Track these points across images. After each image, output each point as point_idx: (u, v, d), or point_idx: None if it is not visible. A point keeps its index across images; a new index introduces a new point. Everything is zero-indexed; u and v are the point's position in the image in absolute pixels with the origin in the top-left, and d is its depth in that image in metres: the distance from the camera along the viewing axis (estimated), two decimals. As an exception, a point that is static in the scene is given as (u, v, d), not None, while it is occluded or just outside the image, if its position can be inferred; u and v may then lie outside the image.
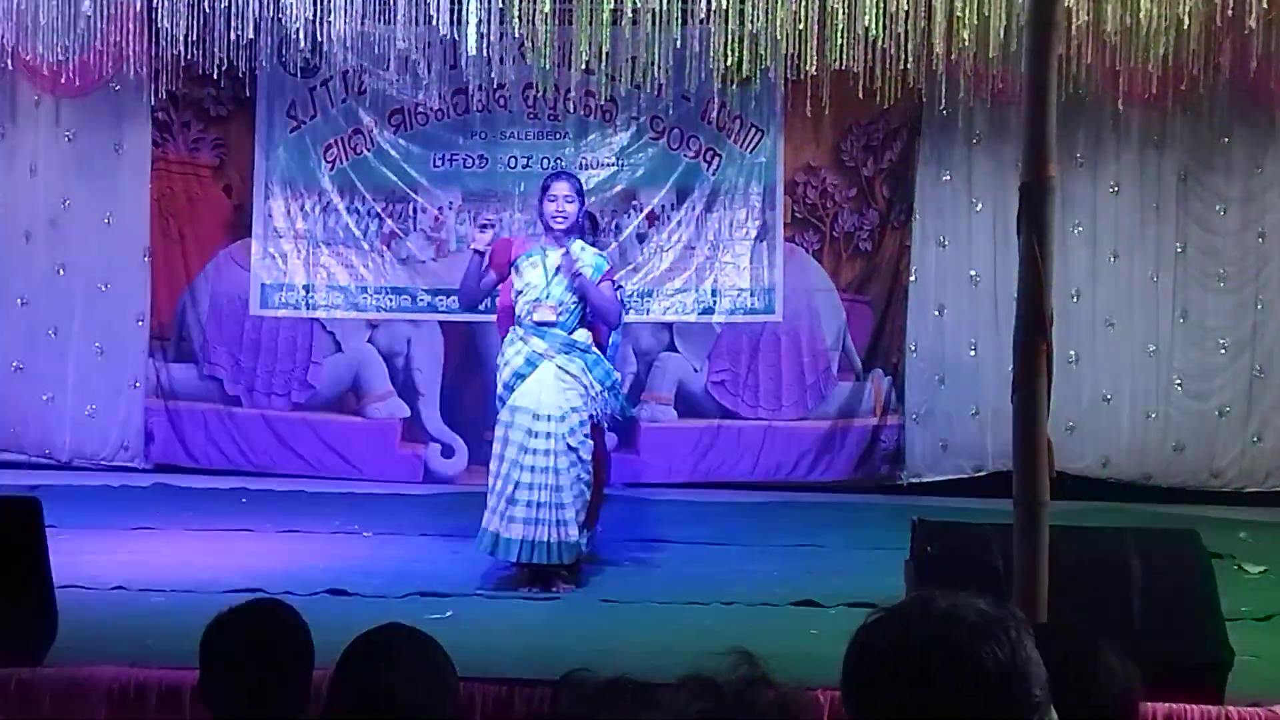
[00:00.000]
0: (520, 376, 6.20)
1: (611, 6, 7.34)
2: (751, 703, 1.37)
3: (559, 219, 6.25)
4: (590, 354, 6.30)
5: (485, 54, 7.45)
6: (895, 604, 1.65)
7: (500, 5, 7.11)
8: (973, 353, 9.32)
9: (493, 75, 8.36)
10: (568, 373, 6.20)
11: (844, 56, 7.39)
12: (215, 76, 8.26)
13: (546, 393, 6.15)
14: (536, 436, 6.12)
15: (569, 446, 6.15)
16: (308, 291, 9.50)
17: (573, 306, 6.26)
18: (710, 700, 1.31)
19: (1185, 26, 7.14)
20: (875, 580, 6.16)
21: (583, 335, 6.30)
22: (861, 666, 1.60)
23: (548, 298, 6.22)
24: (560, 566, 6.18)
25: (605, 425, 6.72)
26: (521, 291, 6.27)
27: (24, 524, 4.63)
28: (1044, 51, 3.94)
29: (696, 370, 9.41)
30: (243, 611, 2.63)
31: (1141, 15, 6.98)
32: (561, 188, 6.30)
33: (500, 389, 6.28)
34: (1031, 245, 3.89)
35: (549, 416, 6.13)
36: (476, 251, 6.39)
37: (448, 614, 5.61)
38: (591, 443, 6.29)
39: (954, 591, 1.63)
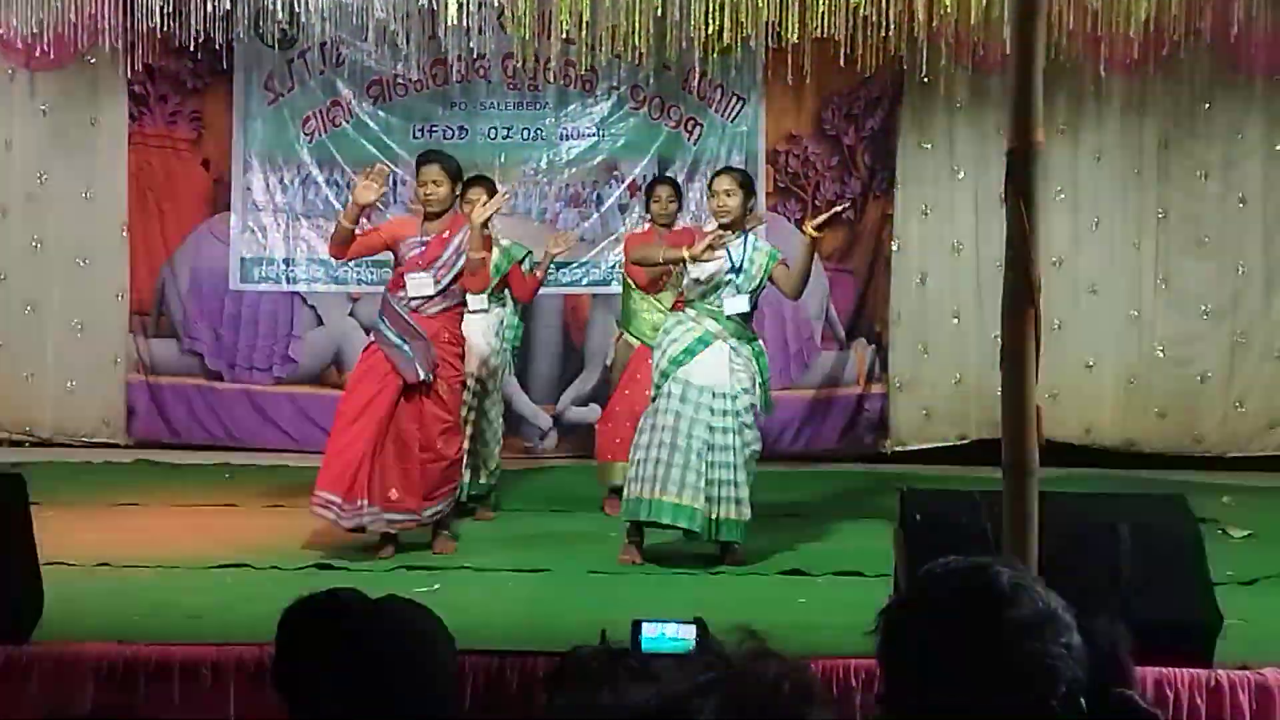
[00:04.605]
0: (691, 353, 6.21)
1: (592, -25, 7.29)
2: (759, 673, 1.36)
3: (721, 213, 6.30)
4: (756, 343, 6.36)
5: (464, 24, 7.37)
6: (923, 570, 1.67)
7: (479, -26, 7.06)
8: (956, 321, 9.33)
9: (472, 45, 8.27)
10: (740, 355, 6.24)
11: (825, 24, 7.35)
12: (192, 49, 8.18)
13: (722, 371, 6.19)
14: (716, 414, 6.15)
15: (743, 425, 6.20)
16: (288, 265, 9.46)
17: (749, 294, 6.27)
18: (719, 670, 1.31)
19: (1167, -9, 7.12)
20: (862, 549, 6.20)
21: (749, 318, 6.35)
22: (895, 627, 1.61)
23: (735, 287, 6.23)
24: (735, 542, 6.23)
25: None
26: (698, 276, 6.26)
27: (8, 501, 4.60)
28: (1030, 17, 3.91)
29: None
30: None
31: (1123, -20, 6.96)
32: (722, 182, 6.37)
33: (664, 363, 6.25)
34: (1019, 212, 3.86)
35: (725, 394, 6.17)
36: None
37: (435, 587, 5.61)
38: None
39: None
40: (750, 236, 6.38)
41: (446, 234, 6.37)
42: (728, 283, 6.25)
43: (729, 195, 6.28)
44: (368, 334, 9.29)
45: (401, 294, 6.36)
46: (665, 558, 6.30)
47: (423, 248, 6.35)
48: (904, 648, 1.65)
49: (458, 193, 6.58)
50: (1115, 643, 2.37)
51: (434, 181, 6.37)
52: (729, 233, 6.27)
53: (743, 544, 6.26)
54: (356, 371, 6.57)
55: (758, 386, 6.30)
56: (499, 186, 7.45)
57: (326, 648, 2.12)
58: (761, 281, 6.31)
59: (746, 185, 6.41)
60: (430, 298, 6.34)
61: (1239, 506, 7.54)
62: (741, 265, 6.26)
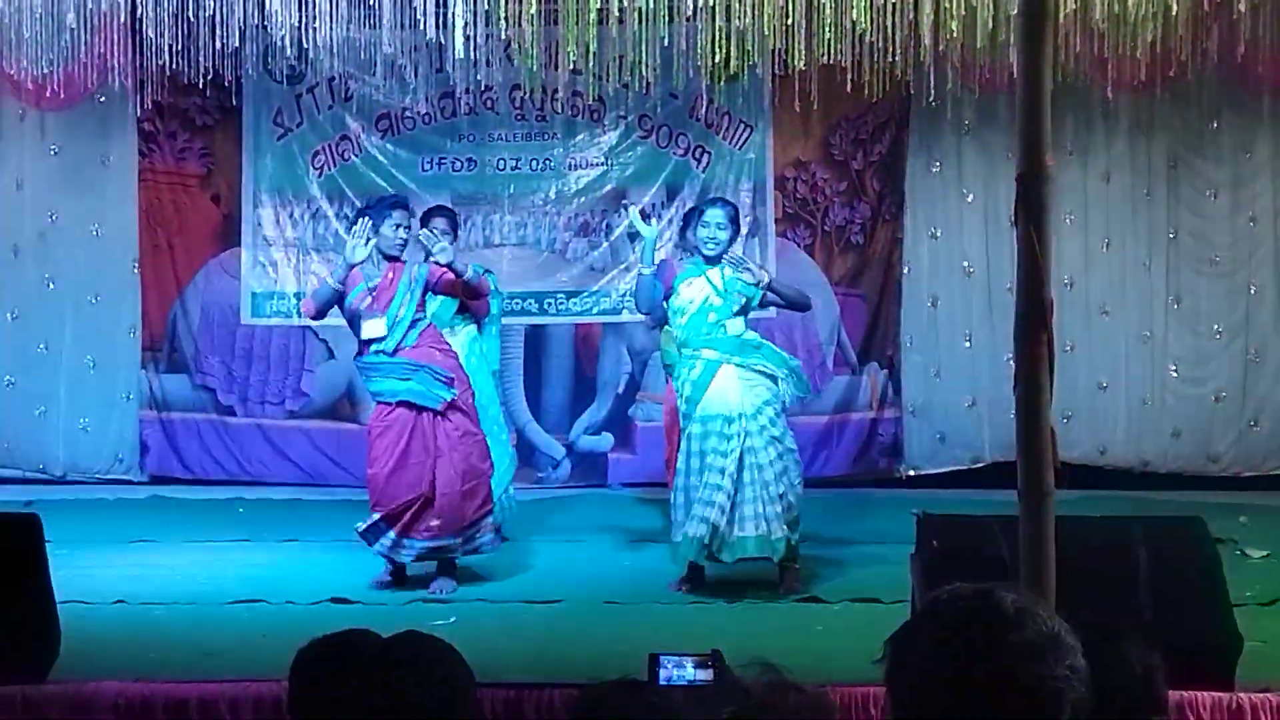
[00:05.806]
0: (702, 386, 6.23)
1: (598, 6, 7.29)
2: (779, 705, 1.35)
3: (710, 244, 6.34)
4: (763, 346, 6.39)
5: (472, 56, 7.40)
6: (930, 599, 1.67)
7: (486, 7, 7.07)
8: (967, 344, 9.32)
9: (479, 78, 8.31)
10: (749, 369, 6.25)
11: (831, 51, 7.36)
12: (201, 85, 8.16)
13: (733, 393, 6.20)
14: (732, 439, 6.14)
15: (772, 438, 6.19)
16: (299, 299, 9.45)
17: (735, 309, 6.33)
18: (739, 703, 1.30)
19: (1173, 12, 7.10)
20: (878, 575, 6.18)
21: (745, 330, 6.40)
22: (901, 652, 1.61)
23: (717, 312, 6.28)
24: (785, 561, 6.22)
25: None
26: (683, 310, 6.31)
27: (24, 541, 4.60)
28: (1037, 41, 3.91)
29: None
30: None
31: (1129, 2, 6.96)
32: (715, 215, 6.41)
33: (684, 406, 6.30)
34: (1030, 236, 3.85)
35: (741, 415, 6.16)
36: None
37: (451, 620, 5.60)
38: (791, 431, 6.34)
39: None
40: (731, 265, 6.38)
41: (391, 275, 6.36)
42: (713, 308, 6.28)
43: (720, 229, 6.35)
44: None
45: (378, 351, 6.31)
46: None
47: (372, 296, 6.33)
48: (910, 673, 1.65)
49: None
50: (1150, 668, 2.35)
51: (718, 225, 6.38)
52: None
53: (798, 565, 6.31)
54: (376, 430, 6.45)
55: (783, 380, 6.29)
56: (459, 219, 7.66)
57: (343, 686, 2.11)
58: (752, 297, 6.35)
59: (736, 221, 6.51)
60: (399, 338, 6.29)
61: (1256, 526, 7.50)
62: (725, 288, 6.30)
